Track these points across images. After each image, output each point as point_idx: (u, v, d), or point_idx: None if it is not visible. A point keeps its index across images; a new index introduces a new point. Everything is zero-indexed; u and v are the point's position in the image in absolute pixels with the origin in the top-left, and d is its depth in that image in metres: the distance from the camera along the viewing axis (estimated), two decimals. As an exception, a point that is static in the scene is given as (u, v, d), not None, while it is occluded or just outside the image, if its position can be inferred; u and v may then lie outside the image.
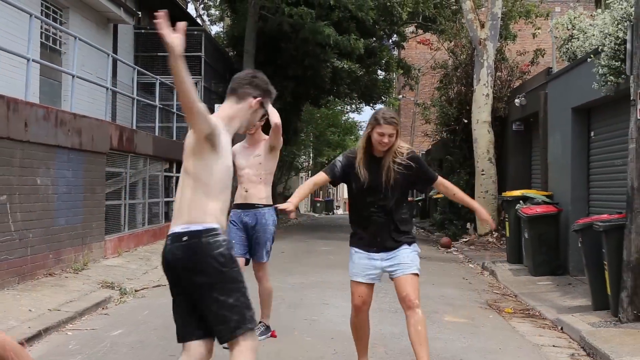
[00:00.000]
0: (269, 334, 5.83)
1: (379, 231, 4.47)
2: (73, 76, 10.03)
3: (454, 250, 14.41)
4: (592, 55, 8.50)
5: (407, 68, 24.25)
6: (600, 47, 8.13)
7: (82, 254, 9.17)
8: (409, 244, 4.53)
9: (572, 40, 10.14)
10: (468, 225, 15.75)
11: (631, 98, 6.69)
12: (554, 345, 6.33)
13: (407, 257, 4.47)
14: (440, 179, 4.67)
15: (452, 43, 17.97)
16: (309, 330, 6.33)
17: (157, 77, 14.55)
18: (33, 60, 8.76)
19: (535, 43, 20.89)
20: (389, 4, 19.17)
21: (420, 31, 24.54)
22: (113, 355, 5.26)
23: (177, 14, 19.78)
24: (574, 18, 10.17)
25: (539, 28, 20.71)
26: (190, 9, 34.38)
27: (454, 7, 21.32)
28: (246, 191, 5.69)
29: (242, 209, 5.71)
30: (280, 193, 31.64)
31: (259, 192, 5.70)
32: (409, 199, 5.03)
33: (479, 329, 6.78)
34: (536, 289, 9.17)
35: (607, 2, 8.46)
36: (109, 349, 5.44)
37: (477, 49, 15.13)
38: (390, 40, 24.44)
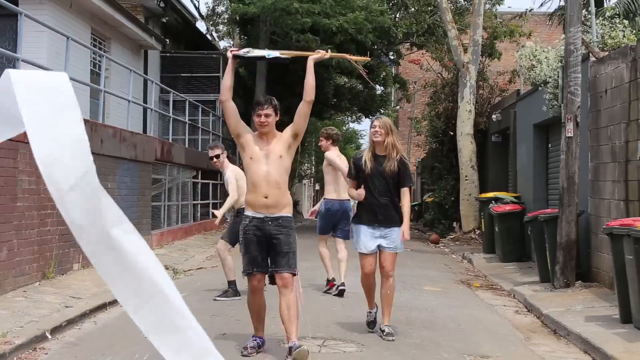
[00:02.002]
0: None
1: (381, 210, 6.02)
2: (129, 101, 12.28)
3: (441, 245, 16.61)
4: (542, 84, 10.75)
5: (403, 83, 26.49)
6: (547, 78, 10.38)
7: (136, 244, 11.38)
8: (399, 226, 6.08)
9: (534, 68, 12.35)
10: (454, 224, 17.96)
11: (562, 121, 8.93)
12: (504, 305, 8.55)
13: (397, 239, 6.06)
14: (405, 189, 6.17)
15: (442, 62, 20.27)
16: (322, 293, 8.55)
17: (187, 96, 16.80)
18: (106, 91, 11.02)
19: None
20: (385, 26, 21.33)
21: (414, 48, 26.80)
22: (192, 305, 7.45)
23: (196, 39, 22.09)
24: (535, 50, 12.39)
25: (523, 46, 22.91)
26: (201, 26, 36.62)
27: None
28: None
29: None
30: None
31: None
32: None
33: (449, 294, 9.00)
34: (502, 271, 11.37)
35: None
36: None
37: (460, 71, 17.38)
38: (387, 58, 26.63)
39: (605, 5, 17.44)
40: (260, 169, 5.21)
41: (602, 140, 8.76)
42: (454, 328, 6.81)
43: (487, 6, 22.98)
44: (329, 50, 5.53)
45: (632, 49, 7.90)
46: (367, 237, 6.07)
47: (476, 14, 17.44)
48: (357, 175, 6.15)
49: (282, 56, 5.52)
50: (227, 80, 5.38)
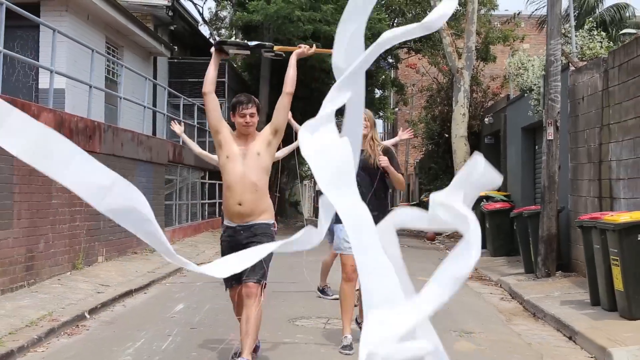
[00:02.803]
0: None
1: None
2: (144, 107, 13.13)
3: (437, 243, 17.48)
4: (528, 91, 11.61)
5: (401, 86, 27.38)
6: (532, 85, 11.24)
7: (152, 240, 12.25)
8: None
9: (521, 75, 13.22)
10: (450, 222, 18.81)
11: (543, 125, 9.79)
12: (491, 293, 9.40)
13: None
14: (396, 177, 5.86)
15: (438, 67, 21.18)
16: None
17: (193, 100, 17.66)
18: (125, 98, 11.88)
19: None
20: (383, 32, 22.13)
21: (412, 52, 27.69)
22: (209, 291, 8.32)
23: (202, 45, 22.97)
24: (522, 58, 13.25)
25: (516, 50, 23.84)
26: (203, 30, 37.53)
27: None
28: None
29: None
30: (286, 199, 34.57)
31: None
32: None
33: (441, 284, 9.84)
34: (492, 265, 12.22)
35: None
36: (201, 289, 8.52)
37: (455, 76, 18.25)
38: (386, 62, 27.50)
39: (597, 12, 18.36)
40: (236, 169, 4.83)
41: (580, 143, 9.62)
42: (443, 310, 7.55)
43: (482, 11, 23.91)
44: (314, 46, 5.23)
45: (604, 61, 8.76)
46: (343, 232, 5.55)
47: (469, 22, 18.30)
48: None
49: (266, 44, 5.29)
50: (210, 72, 4.92)
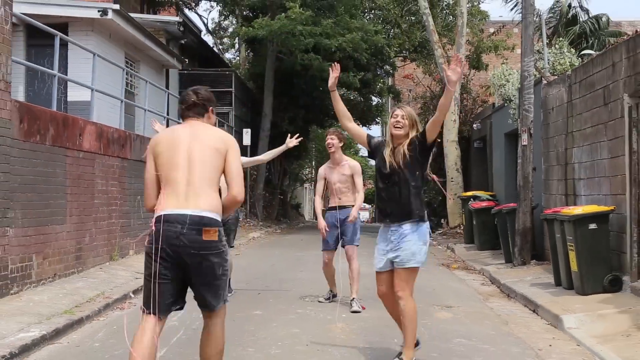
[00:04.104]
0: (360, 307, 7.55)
1: (393, 204, 5.00)
2: (164, 117, 14.50)
3: (430, 239, 18.81)
4: (507, 101, 12.99)
5: (397, 93, 28.78)
6: (511, 96, 12.62)
7: (171, 237, 13.61)
8: (418, 221, 5.03)
9: (504, 86, 14.60)
10: (442, 220, 20.18)
11: (519, 132, 11.16)
12: (473, 279, 10.77)
13: (408, 246, 5.02)
14: (429, 122, 5.12)
15: (432, 75, 22.59)
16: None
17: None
18: (149, 110, 13.25)
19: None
20: (380, 45, 23.59)
21: (407, 60, 29.09)
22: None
23: (210, 56, 24.35)
24: (505, 71, 14.64)
25: (506, 59, 25.24)
26: (207, 39, 38.86)
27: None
28: (339, 198, 7.77)
29: (339, 210, 7.73)
30: (287, 201, 35.85)
31: (348, 198, 7.80)
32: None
33: (430, 272, 11.20)
34: (478, 257, 13.57)
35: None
36: (221, 277, 9.88)
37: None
38: (382, 70, 28.90)
39: (578, 22, 19.73)
40: None
41: (551, 147, 11.00)
42: (429, 291, 9.03)
43: (476, 20, 25.33)
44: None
45: (568, 77, 10.13)
46: (378, 250, 5.17)
47: (459, 34, 19.68)
48: (373, 149, 5.26)
49: None
50: None
